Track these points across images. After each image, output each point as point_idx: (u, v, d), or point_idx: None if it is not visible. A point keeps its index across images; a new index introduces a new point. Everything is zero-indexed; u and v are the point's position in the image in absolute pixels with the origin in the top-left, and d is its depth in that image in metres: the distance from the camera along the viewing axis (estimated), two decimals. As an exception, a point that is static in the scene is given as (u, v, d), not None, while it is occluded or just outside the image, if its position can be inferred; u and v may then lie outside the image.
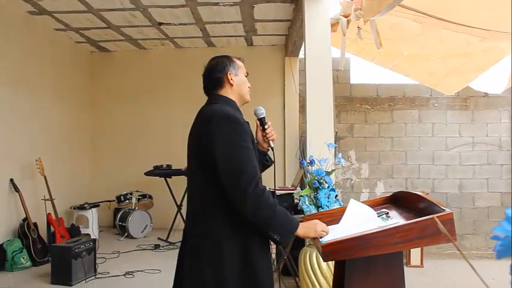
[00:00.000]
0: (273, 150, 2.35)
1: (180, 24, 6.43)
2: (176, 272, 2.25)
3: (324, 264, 3.98)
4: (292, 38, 6.28)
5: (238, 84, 2.22)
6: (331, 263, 4.02)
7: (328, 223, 2.38)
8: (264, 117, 2.33)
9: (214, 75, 2.24)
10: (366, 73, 6.98)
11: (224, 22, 6.36)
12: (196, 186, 2.09)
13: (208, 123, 2.05)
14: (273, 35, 6.96)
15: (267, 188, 1.99)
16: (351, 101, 7.07)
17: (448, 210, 1.85)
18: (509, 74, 5.36)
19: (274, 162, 2.41)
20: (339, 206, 3.78)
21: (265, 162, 2.38)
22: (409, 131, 7.01)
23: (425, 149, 6.97)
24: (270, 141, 2.33)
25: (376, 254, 1.82)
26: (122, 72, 7.87)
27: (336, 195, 4.03)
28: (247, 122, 2.15)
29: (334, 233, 2.01)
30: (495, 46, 4.76)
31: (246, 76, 2.26)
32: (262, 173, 2.26)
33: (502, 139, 6.95)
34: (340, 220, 2.36)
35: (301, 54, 7.17)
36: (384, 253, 1.87)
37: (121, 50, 7.83)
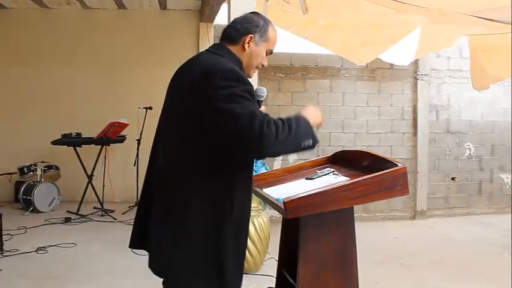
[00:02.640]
0: None
1: (89, -19, 6.00)
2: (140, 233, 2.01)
3: (251, 228, 4.01)
4: (210, 3, 6.14)
5: (250, 54, 1.93)
6: (259, 228, 4.08)
7: (273, 183, 2.39)
8: (262, 100, 2.07)
9: (237, 25, 1.96)
10: (280, 42, 7.01)
11: (139, -18, 6.04)
12: (180, 142, 1.86)
13: (209, 76, 1.77)
14: (189, -2, 6.76)
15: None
16: (264, 69, 7.05)
17: (400, 165, 1.92)
18: (416, 47, 5.67)
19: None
20: (265, 170, 3.80)
21: None
22: (321, 99, 7.22)
23: (335, 117, 7.23)
24: None
25: (336, 209, 1.85)
26: (21, 32, 7.18)
27: (263, 160, 4.07)
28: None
29: (289, 191, 2.00)
30: (408, 19, 5.00)
31: (267, 54, 1.99)
32: None
33: (404, 109, 7.41)
34: (285, 180, 2.39)
35: (216, 20, 7.05)
36: (337, 210, 1.91)
37: (19, 8, 7.12)
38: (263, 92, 2.06)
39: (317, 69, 7.19)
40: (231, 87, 1.73)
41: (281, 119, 1.75)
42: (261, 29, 1.95)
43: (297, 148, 1.79)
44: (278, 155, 1.83)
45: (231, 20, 4.32)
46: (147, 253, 1.97)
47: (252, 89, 1.81)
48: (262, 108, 2.00)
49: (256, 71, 2.08)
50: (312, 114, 1.93)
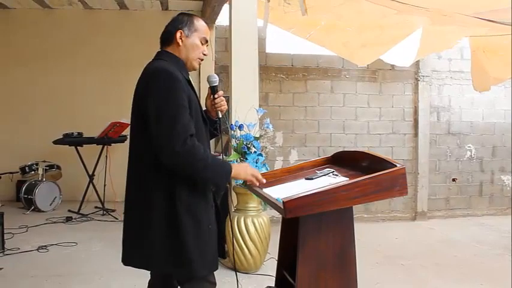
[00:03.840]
0: (219, 120, 2.29)
1: (92, -18, 6.01)
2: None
3: (252, 228, 4.02)
4: (211, 4, 6.15)
5: (187, 46, 2.11)
6: (259, 228, 4.09)
7: (273, 183, 2.39)
8: (216, 86, 2.25)
9: (168, 28, 2.15)
10: (281, 42, 7.04)
11: (141, -18, 6.05)
12: (134, 143, 2.12)
13: (147, 79, 2.04)
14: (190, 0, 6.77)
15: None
16: (266, 70, 7.11)
17: (399, 165, 1.93)
18: (417, 48, 5.67)
19: (220, 133, 2.35)
20: (266, 171, 3.81)
21: (214, 131, 2.33)
22: (321, 100, 7.24)
23: (336, 118, 7.25)
24: (218, 112, 2.26)
25: (335, 208, 1.85)
26: (23, 32, 7.20)
27: (264, 160, 4.08)
28: (189, 81, 2.10)
29: (289, 191, 2.01)
30: (408, 20, 5.01)
31: (203, 44, 2.15)
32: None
33: (405, 110, 7.42)
34: (285, 180, 2.39)
35: (217, 21, 7.06)
36: (337, 210, 1.92)
37: (22, 8, 7.15)
38: (214, 77, 2.24)
39: (318, 70, 7.20)
40: (165, 89, 1.97)
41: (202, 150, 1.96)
42: (187, 23, 2.13)
43: (200, 180, 2.01)
44: (184, 172, 1.97)
45: (232, 21, 4.36)
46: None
47: (186, 86, 2.03)
48: (220, 93, 2.25)
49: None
50: (237, 167, 2.13)
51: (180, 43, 2.11)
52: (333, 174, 2.19)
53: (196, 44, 2.13)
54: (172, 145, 1.88)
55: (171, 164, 1.92)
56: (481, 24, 4.68)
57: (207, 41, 2.17)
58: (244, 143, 3.92)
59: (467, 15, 4.42)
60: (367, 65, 6.83)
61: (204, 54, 2.18)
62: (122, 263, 2.19)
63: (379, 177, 1.85)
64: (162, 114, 1.93)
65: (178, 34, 2.10)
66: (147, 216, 2.01)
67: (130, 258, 2.14)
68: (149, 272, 2.26)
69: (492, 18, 4.48)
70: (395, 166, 1.90)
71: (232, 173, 2.06)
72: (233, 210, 4.17)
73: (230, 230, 3.89)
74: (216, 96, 2.25)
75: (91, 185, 6.32)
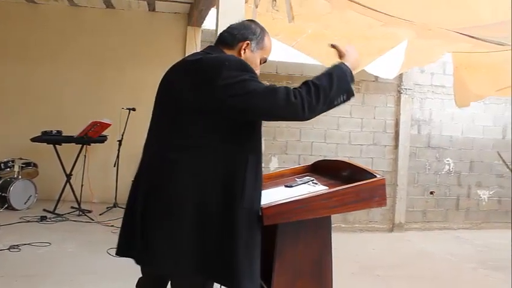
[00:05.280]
0: None
1: (78, -21, 5.94)
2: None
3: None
4: (198, 7, 6.13)
5: (246, 60, 1.93)
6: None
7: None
8: None
9: (235, 31, 2.00)
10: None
11: (128, -18, 6.00)
12: (182, 137, 1.84)
13: (217, 67, 1.80)
14: (178, 1, 6.72)
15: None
16: (250, 76, 7.09)
17: (379, 176, 1.92)
18: (402, 61, 5.72)
19: None
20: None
21: None
22: (304, 109, 7.23)
23: (318, 127, 7.25)
24: None
25: (313, 217, 1.84)
26: (6, 27, 7.07)
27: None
28: None
29: (268, 198, 1.99)
30: (394, 32, 5.05)
31: (261, 63, 2.03)
32: None
33: (386, 122, 7.47)
34: (265, 186, 2.37)
35: (204, 25, 7.04)
36: (315, 219, 1.91)
37: (5, 1, 7.01)
38: None
39: (302, 78, 7.02)
40: (241, 75, 1.76)
41: (312, 82, 1.80)
42: (258, 37, 1.99)
43: (331, 106, 1.82)
44: (309, 119, 1.82)
45: (219, 25, 4.34)
46: (123, 257, 1.94)
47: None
48: None
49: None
50: (352, 58, 1.97)
51: (243, 54, 1.96)
52: (313, 182, 2.18)
53: (256, 61, 2.01)
54: (288, 103, 1.72)
55: (305, 116, 1.77)
56: (464, 40, 4.73)
57: (266, 61, 2.08)
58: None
59: (451, 30, 4.47)
60: (351, 76, 6.86)
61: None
62: (135, 264, 1.94)
63: (359, 187, 1.85)
64: (264, 92, 1.76)
65: (244, 44, 1.96)
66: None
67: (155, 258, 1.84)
68: (130, 273, 2.11)
69: (475, 35, 4.54)
70: (375, 177, 1.90)
71: (354, 66, 1.93)
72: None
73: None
74: None
75: (68, 185, 6.21)
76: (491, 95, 6.60)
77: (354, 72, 1.94)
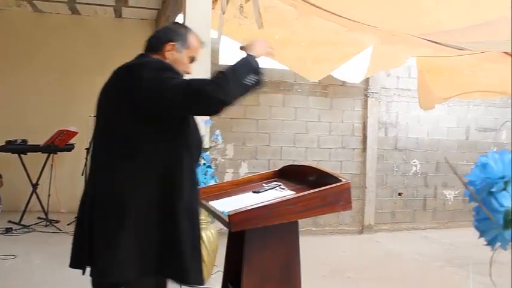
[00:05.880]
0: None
1: (42, -16, 5.85)
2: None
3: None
4: (166, 13, 6.11)
5: (173, 62, 2.00)
6: (207, 241, 4.05)
7: (220, 196, 2.39)
8: None
9: (161, 34, 2.08)
10: (235, 55, 7.06)
11: (95, -12, 5.95)
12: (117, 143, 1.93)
13: (140, 70, 1.91)
14: (145, 8, 6.70)
15: None
16: (219, 82, 7.09)
17: (344, 180, 1.96)
18: (367, 66, 5.83)
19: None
20: (215, 183, 3.80)
21: None
22: (273, 114, 7.29)
23: (287, 131, 7.31)
24: None
25: (280, 222, 1.86)
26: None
27: (212, 172, 4.06)
28: None
29: (235, 204, 2.01)
30: (359, 38, 5.14)
31: (190, 62, 2.08)
32: None
33: (354, 125, 7.58)
34: (233, 193, 2.39)
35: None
36: (282, 224, 1.93)
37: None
38: None
39: (271, 84, 7.25)
40: (159, 74, 1.86)
41: (218, 71, 1.87)
42: (182, 37, 2.05)
43: (244, 88, 1.88)
44: (229, 104, 1.85)
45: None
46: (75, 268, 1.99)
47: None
48: None
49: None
50: (254, 47, 2.01)
51: (169, 56, 2.01)
52: (280, 188, 2.21)
53: (184, 61, 2.06)
54: (198, 92, 1.78)
55: (212, 105, 1.83)
56: (427, 45, 4.86)
57: (194, 60, 2.11)
58: (194, 154, 3.89)
59: (414, 35, 4.58)
60: (319, 80, 6.95)
61: (187, 73, 2.09)
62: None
63: (324, 192, 1.88)
64: (177, 85, 1.83)
65: (169, 46, 2.01)
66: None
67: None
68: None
69: (437, 40, 4.67)
70: (341, 181, 1.94)
71: (257, 54, 1.97)
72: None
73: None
74: None
75: (34, 195, 6.09)
76: (454, 97, 6.78)
77: (263, 52, 2.05)
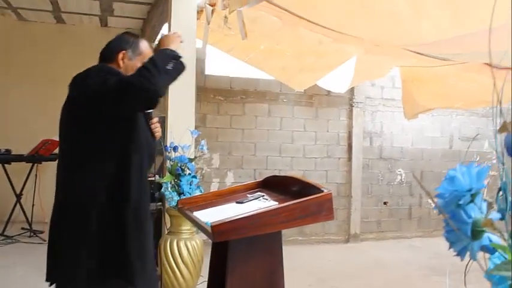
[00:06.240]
0: (154, 143, 2.32)
1: (29, -7, 5.84)
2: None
3: (184, 251, 3.97)
4: (151, 23, 6.13)
5: (126, 69, 2.09)
6: (192, 251, 4.04)
7: (204, 207, 2.40)
8: (150, 112, 2.24)
9: (110, 45, 2.15)
10: (220, 65, 7.09)
11: (80, -3, 5.94)
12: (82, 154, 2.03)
13: (83, 78, 2.05)
14: (130, 17, 6.70)
15: None
16: (204, 91, 7.11)
17: (326, 191, 1.98)
18: (352, 76, 5.89)
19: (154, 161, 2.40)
20: (200, 193, 3.80)
21: None
22: (259, 123, 7.32)
23: (273, 141, 7.34)
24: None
25: (263, 233, 1.88)
26: None
27: (198, 182, 4.06)
28: None
29: (218, 215, 2.02)
30: (343, 48, 5.19)
31: None
32: None
33: (340, 135, 7.64)
34: (217, 203, 2.40)
35: (157, 40, 7.02)
36: (266, 234, 1.94)
37: None
38: None
39: (256, 93, 7.29)
40: (102, 77, 1.97)
41: (141, 66, 1.96)
42: (132, 45, 2.15)
43: (168, 74, 1.96)
44: (158, 91, 1.93)
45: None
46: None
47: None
48: (154, 120, 2.28)
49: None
50: (167, 42, 2.13)
51: (121, 64, 2.10)
52: (263, 198, 2.23)
53: (137, 67, 2.08)
54: (128, 84, 1.89)
55: (143, 96, 1.91)
56: (410, 56, 4.93)
57: None
58: (179, 164, 3.90)
59: (397, 46, 4.65)
60: (304, 90, 7.00)
61: None
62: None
63: (307, 202, 1.90)
64: (109, 82, 1.93)
65: (120, 55, 2.09)
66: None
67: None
68: None
69: (420, 51, 4.74)
70: (322, 191, 1.95)
71: (171, 46, 2.08)
72: (166, 232, 4.11)
73: (163, 253, 3.82)
74: (150, 122, 2.25)
75: (18, 205, 6.03)
76: (438, 107, 6.87)
77: (177, 45, 2.15)
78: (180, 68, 2.03)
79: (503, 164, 0.73)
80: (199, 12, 4.82)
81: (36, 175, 6.07)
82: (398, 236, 7.87)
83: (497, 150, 0.73)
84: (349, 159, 7.60)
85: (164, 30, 6.12)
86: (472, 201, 0.71)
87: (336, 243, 7.44)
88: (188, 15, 4.50)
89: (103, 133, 1.96)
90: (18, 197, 6.02)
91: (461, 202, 0.70)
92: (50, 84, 6.96)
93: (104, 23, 7.10)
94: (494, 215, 0.73)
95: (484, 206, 0.74)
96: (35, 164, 6.11)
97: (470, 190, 0.70)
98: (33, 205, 6.03)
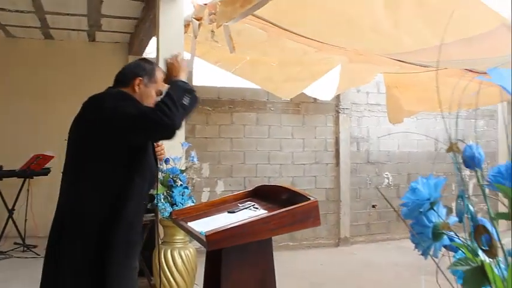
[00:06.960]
0: (157, 169, 2.40)
1: (17, 11, 5.89)
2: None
3: (179, 260, 4.06)
4: (139, 36, 6.23)
5: (141, 95, 2.16)
6: (186, 260, 4.13)
7: (197, 217, 2.50)
8: None
9: (127, 70, 2.22)
10: (207, 76, 7.20)
11: (68, 14, 6.01)
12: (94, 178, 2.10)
13: (101, 102, 2.11)
14: (118, 32, 6.80)
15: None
16: (193, 102, 7.20)
17: (313, 199, 2.10)
18: (337, 83, 6.03)
19: (157, 181, 2.49)
20: (192, 204, 3.91)
21: None
22: (247, 132, 7.43)
23: (262, 149, 7.45)
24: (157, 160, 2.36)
25: (254, 240, 1.99)
26: None
27: (190, 193, 4.16)
28: None
29: (211, 224, 2.13)
30: (327, 57, 5.34)
31: (157, 94, 2.22)
32: None
33: (327, 141, 7.77)
34: (209, 213, 2.50)
35: (145, 53, 7.12)
36: (257, 241, 2.05)
37: None
38: None
39: (244, 103, 7.41)
40: (120, 104, 2.04)
41: (159, 101, 2.05)
42: (148, 72, 2.20)
43: (184, 108, 2.04)
44: (177, 126, 2.01)
45: (160, 54, 4.47)
46: None
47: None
48: (159, 143, 2.42)
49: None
50: (175, 71, 2.20)
51: (137, 90, 2.16)
52: (254, 207, 2.34)
53: (151, 94, 2.20)
54: (153, 121, 1.96)
55: (172, 128, 1.99)
56: (392, 64, 5.09)
57: (161, 93, 2.23)
58: (171, 176, 3.99)
59: (380, 55, 4.80)
60: (291, 98, 7.13)
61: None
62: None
63: (294, 210, 2.01)
64: (137, 116, 2.01)
65: (137, 81, 2.15)
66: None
67: None
68: None
69: (401, 59, 4.90)
70: (309, 199, 2.07)
71: (182, 77, 2.17)
72: (160, 243, 4.19)
73: (157, 263, 3.91)
74: (156, 145, 2.33)
75: (10, 220, 6.06)
76: (422, 110, 7.03)
77: (186, 72, 2.24)
78: (194, 102, 2.10)
79: (460, 172, 0.86)
80: (186, 26, 4.94)
81: (28, 190, 6.11)
82: (387, 238, 8.01)
83: (456, 161, 0.86)
84: (337, 164, 7.74)
85: (152, 43, 6.23)
86: (431, 208, 0.83)
87: (326, 247, 7.55)
88: (175, 29, 4.61)
89: (112, 155, 2.04)
90: (11, 212, 6.05)
91: (421, 210, 0.82)
92: (39, 100, 7.04)
93: (91, 38, 7.18)
94: (452, 219, 0.86)
95: (444, 211, 0.86)
96: (27, 179, 6.15)
97: (429, 199, 0.82)
98: (25, 220, 6.06)
